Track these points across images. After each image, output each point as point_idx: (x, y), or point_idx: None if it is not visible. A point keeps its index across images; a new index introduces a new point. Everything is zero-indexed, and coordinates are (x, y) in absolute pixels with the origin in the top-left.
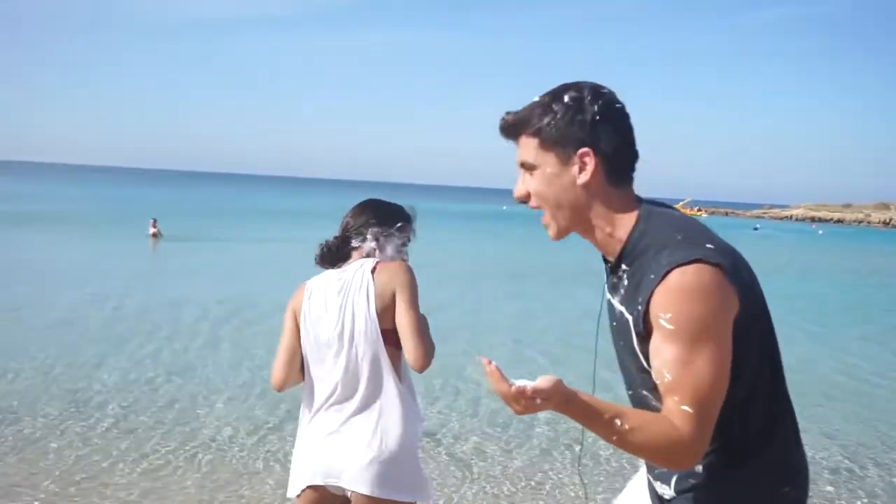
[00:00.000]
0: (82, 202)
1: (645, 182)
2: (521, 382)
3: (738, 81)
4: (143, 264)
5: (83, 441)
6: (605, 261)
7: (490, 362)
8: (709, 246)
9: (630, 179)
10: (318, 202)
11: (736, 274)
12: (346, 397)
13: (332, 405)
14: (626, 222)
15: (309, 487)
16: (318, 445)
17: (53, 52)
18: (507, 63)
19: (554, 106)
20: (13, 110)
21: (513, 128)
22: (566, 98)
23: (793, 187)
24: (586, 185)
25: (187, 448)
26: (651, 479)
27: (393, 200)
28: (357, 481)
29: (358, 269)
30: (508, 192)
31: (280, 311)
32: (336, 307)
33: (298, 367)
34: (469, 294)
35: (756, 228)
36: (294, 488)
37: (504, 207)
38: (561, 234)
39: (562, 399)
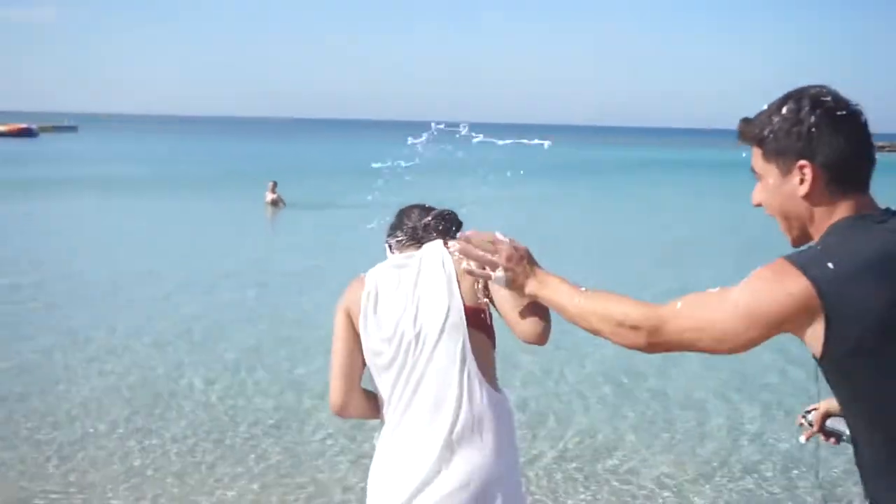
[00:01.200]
0: (183, 162)
1: None
2: None
3: None
4: (259, 241)
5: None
6: None
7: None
8: (828, 265)
9: (859, 185)
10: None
11: (836, 294)
12: (428, 408)
13: (414, 418)
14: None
15: None
16: (400, 474)
17: None
18: None
19: (774, 117)
20: (96, 59)
21: (743, 136)
22: (784, 110)
23: None
24: (807, 197)
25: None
26: None
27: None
28: None
29: (426, 250)
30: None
31: None
32: (406, 298)
33: (360, 384)
34: None
35: None
36: None
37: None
38: (797, 242)
39: None
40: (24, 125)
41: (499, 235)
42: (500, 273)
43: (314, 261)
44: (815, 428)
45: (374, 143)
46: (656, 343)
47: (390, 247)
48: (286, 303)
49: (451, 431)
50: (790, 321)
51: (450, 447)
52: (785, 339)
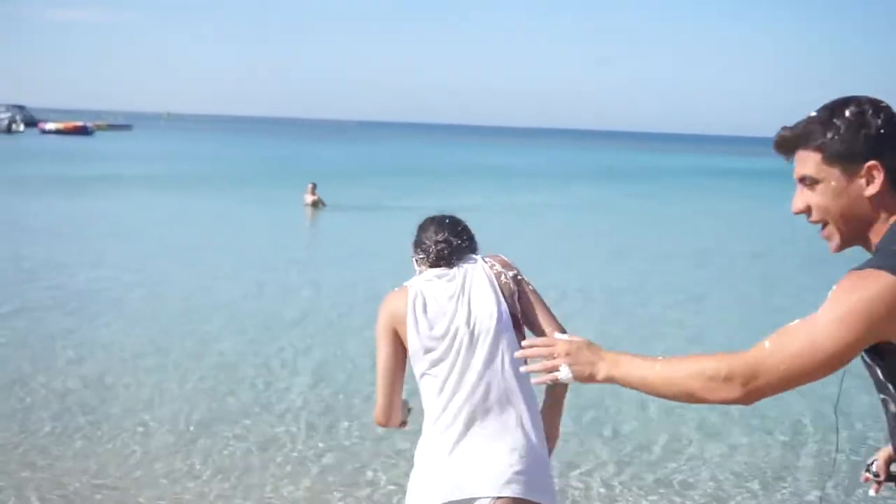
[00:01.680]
0: (234, 162)
1: None
2: None
3: None
4: (294, 242)
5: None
6: None
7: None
8: None
9: None
10: (527, 158)
11: None
12: (476, 395)
13: (456, 408)
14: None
15: None
16: (444, 456)
17: None
18: None
19: (836, 121)
20: (154, 58)
21: (791, 142)
22: (847, 113)
23: None
24: (872, 198)
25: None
26: None
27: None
28: (503, 485)
29: (466, 265)
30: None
31: None
32: (454, 295)
33: (400, 398)
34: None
35: None
36: None
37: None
38: (843, 247)
39: None
40: (79, 123)
41: (557, 335)
42: (564, 370)
43: (349, 264)
44: (883, 477)
45: (432, 147)
46: (754, 389)
47: (417, 262)
48: (314, 305)
49: (510, 419)
50: (888, 322)
51: (506, 431)
52: None
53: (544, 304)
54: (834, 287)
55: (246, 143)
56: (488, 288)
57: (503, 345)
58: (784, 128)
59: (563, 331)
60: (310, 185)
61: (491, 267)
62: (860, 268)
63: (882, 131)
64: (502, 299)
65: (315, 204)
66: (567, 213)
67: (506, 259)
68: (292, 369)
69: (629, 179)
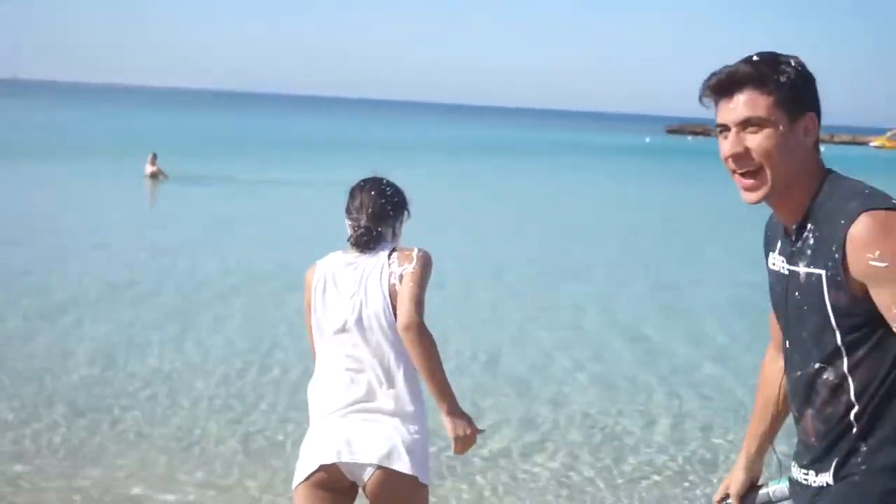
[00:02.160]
0: (71, 131)
1: None
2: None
3: None
4: (132, 215)
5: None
6: (785, 233)
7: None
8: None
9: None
10: (383, 131)
11: None
12: (363, 381)
13: (347, 389)
14: (815, 184)
15: (321, 469)
16: (337, 425)
17: None
18: None
19: (785, 67)
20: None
21: (741, 81)
22: (793, 63)
23: None
24: (810, 148)
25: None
26: (800, 474)
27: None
28: (384, 457)
29: (375, 257)
30: (643, 119)
31: (291, 287)
32: (351, 290)
33: None
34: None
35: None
36: (304, 471)
37: (647, 140)
38: (766, 197)
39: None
40: None
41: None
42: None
43: (178, 236)
44: None
45: (319, 120)
46: None
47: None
48: (126, 278)
49: (391, 404)
50: None
51: (388, 413)
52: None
53: (411, 291)
54: (883, 255)
55: (101, 113)
56: (378, 289)
57: (386, 342)
58: (726, 67)
59: (418, 315)
60: (150, 156)
61: (390, 265)
62: (877, 218)
63: (816, 88)
64: (388, 301)
65: (154, 175)
66: (441, 188)
67: (411, 253)
68: (82, 346)
69: (512, 155)
